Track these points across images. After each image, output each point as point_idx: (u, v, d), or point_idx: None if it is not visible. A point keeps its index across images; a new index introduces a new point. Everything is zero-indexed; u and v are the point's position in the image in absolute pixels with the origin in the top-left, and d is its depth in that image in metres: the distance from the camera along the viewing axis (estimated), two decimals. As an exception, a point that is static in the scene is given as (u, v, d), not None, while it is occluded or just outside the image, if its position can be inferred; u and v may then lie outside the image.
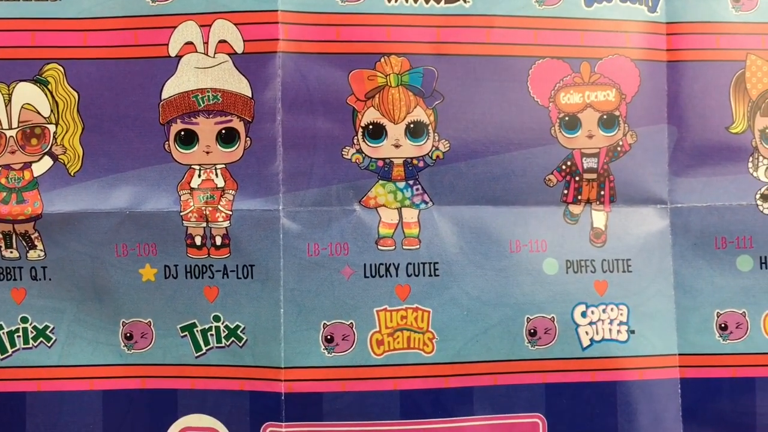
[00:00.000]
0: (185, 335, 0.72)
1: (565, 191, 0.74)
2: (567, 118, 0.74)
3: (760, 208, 0.75)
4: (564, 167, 0.74)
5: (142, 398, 0.72)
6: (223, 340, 0.72)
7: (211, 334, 0.72)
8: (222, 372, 0.72)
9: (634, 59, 0.74)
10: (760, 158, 0.75)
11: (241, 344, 0.72)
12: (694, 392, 0.74)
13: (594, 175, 0.74)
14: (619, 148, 0.74)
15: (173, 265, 0.71)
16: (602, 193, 0.74)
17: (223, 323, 0.72)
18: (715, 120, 0.75)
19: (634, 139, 0.74)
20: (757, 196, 0.75)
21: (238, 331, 0.72)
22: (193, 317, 0.72)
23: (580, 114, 0.74)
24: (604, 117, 0.74)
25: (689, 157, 0.75)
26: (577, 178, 0.74)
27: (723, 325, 0.75)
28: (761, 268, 0.75)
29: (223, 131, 0.71)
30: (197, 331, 0.72)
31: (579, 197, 0.74)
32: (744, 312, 0.75)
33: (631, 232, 0.74)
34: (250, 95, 0.71)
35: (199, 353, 0.72)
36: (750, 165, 0.75)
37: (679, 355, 0.74)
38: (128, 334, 0.72)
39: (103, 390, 0.72)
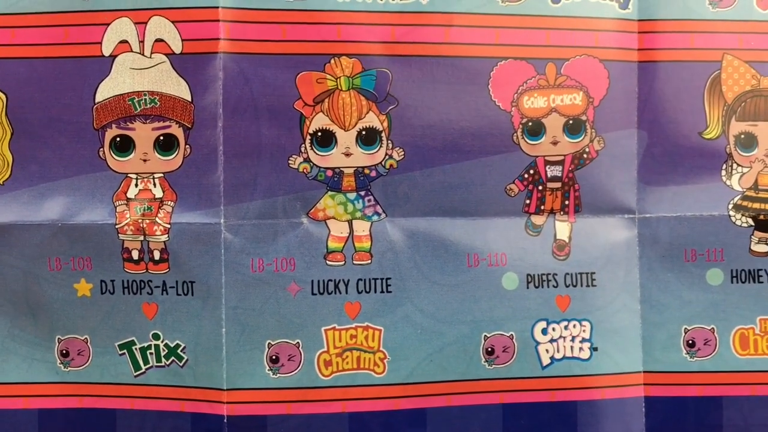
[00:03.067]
0: (123, 353, 0.70)
1: (528, 201, 0.71)
2: (530, 124, 0.71)
3: (733, 219, 0.72)
4: (526, 176, 0.71)
5: (80, 418, 0.70)
6: (163, 359, 0.70)
7: (151, 353, 0.70)
8: (162, 392, 0.70)
9: (603, 60, 0.71)
10: (734, 165, 0.73)
11: (181, 364, 0.70)
12: (659, 411, 0.73)
13: (558, 184, 0.72)
14: (585, 155, 0.72)
15: (110, 280, 0.69)
16: (567, 202, 0.72)
17: (162, 342, 0.70)
18: (688, 125, 0.72)
19: (601, 146, 0.72)
20: (730, 207, 0.73)
21: (179, 350, 0.70)
22: (132, 335, 0.70)
23: (545, 119, 0.71)
24: (570, 122, 0.71)
25: (660, 164, 0.72)
26: (540, 188, 0.72)
27: (691, 342, 0.73)
28: (732, 282, 0.73)
29: (161, 138, 0.68)
30: (136, 349, 0.70)
31: (542, 207, 0.72)
32: (713, 328, 0.73)
33: (597, 243, 0.72)
34: (190, 99, 0.68)
35: (138, 372, 0.70)
36: (723, 173, 0.73)
37: (644, 372, 0.73)
38: (64, 351, 0.70)
39: (38, 409, 0.70)
